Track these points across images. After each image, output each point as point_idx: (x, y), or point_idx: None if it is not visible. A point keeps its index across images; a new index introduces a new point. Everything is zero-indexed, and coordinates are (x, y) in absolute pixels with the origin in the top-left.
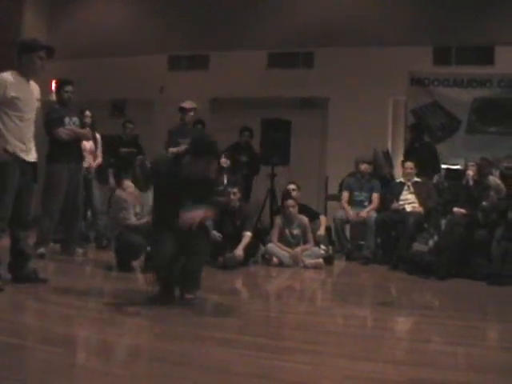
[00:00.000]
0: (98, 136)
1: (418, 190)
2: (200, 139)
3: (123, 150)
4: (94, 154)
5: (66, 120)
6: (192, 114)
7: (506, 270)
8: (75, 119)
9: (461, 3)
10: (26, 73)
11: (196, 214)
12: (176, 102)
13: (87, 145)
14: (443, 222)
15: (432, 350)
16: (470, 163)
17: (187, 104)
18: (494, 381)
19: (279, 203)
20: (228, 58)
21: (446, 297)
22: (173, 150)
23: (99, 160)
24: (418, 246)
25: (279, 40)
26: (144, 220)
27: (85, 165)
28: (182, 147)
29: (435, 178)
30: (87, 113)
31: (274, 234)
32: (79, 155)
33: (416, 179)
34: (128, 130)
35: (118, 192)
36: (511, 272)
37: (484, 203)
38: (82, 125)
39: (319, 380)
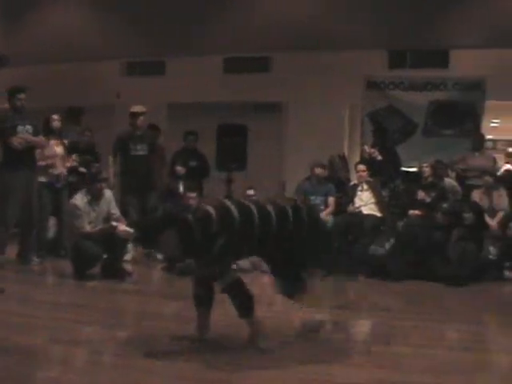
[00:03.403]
0: (65, 142)
1: (371, 186)
2: None
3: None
4: (64, 159)
5: (19, 128)
6: (142, 118)
7: (463, 270)
8: (28, 127)
9: (415, 7)
10: None
11: None
12: None
13: (58, 150)
14: (400, 224)
15: (391, 351)
16: (425, 165)
17: (137, 108)
18: (454, 381)
19: None
20: (184, 64)
21: (405, 299)
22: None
23: (67, 165)
24: (374, 249)
25: (235, 45)
26: (98, 228)
27: (55, 172)
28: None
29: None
30: (55, 117)
31: None
32: (33, 163)
33: (368, 179)
34: (86, 137)
35: (73, 200)
36: (469, 272)
37: (445, 205)
38: (37, 132)
39: None
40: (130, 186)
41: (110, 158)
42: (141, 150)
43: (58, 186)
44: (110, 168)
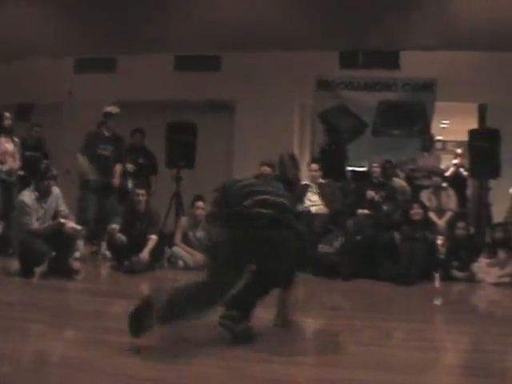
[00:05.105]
0: (16, 139)
1: (322, 191)
2: None
3: (27, 153)
4: (14, 156)
5: None
6: (114, 119)
7: (412, 269)
8: None
9: (366, 8)
10: None
11: None
12: (84, 105)
13: (9, 147)
14: (349, 223)
15: (340, 350)
16: (374, 164)
17: (110, 109)
18: (401, 380)
19: (185, 206)
20: (135, 61)
21: (353, 297)
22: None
23: (18, 163)
24: (323, 248)
25: (186, 43)
26: (46, 225)
27: (5, 168)
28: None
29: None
30: (7, 115)
31: (178, 235)
32: None
33: (321, 180)
34: (34, 133)
35: (20, 196)
36: (417, 271)
37: (385, 207)
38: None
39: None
40: (91, 184)
41: (80, 156)
42: (106, 150)
43: (11, 179)
44: (82, 164)
